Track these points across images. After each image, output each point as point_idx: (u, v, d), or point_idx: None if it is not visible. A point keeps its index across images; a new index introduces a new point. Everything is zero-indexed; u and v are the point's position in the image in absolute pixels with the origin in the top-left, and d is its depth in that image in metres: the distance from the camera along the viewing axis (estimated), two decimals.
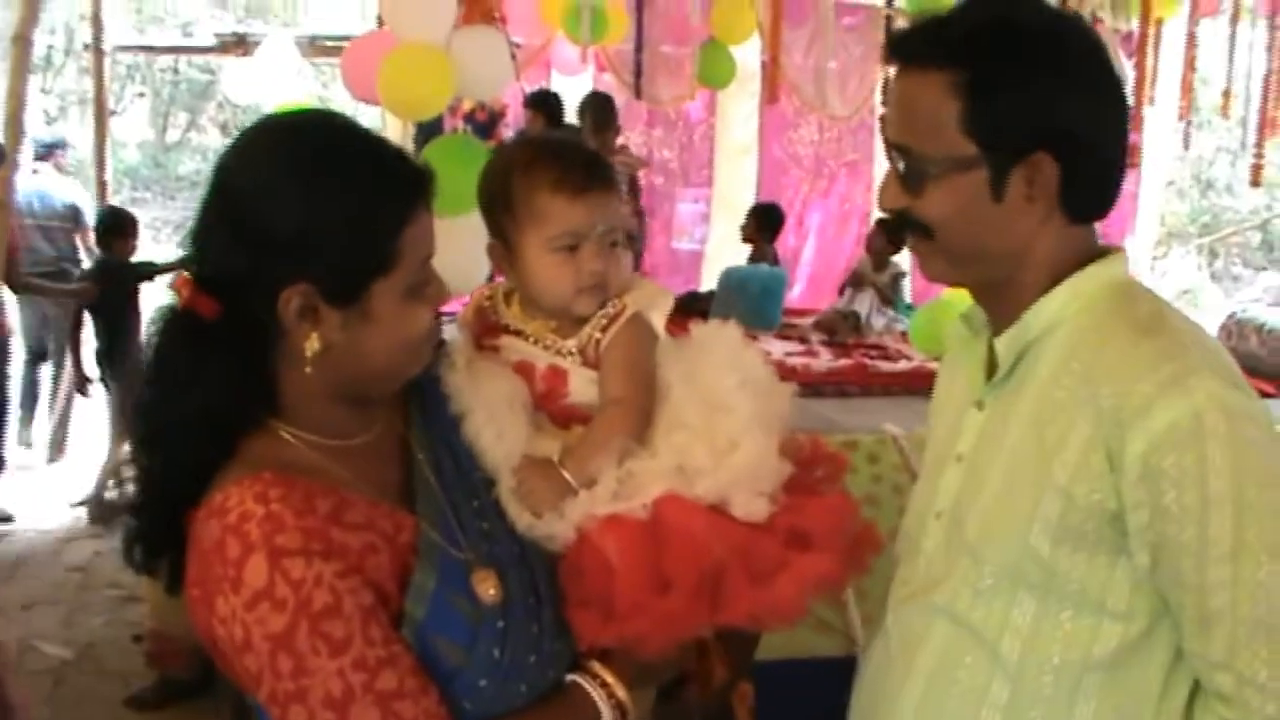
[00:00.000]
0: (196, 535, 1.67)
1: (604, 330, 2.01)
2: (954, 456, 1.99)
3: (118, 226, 7.85)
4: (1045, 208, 1.85)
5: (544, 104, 9.05)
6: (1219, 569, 1.72)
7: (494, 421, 1.93)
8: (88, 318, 8.01)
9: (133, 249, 7.98)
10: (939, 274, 1.96)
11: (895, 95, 1.91)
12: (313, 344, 1.71)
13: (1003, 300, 1.94)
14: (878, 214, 9.80)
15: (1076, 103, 1.83)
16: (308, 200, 1.68)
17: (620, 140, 9.63)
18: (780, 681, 3.82)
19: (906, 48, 1.90)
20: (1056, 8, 1.92)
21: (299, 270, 1.68)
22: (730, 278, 8.31)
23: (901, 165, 1.88)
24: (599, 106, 9.23)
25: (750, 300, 7.95)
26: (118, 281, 7.81)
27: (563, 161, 2.02)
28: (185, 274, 1.72)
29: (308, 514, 1.65)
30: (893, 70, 1.93)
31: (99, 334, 7.95)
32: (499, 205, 2.04)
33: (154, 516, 1.77)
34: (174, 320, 1.73)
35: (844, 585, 1.95)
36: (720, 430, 1.92)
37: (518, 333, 2.07)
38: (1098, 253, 1.92)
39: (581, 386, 2.02)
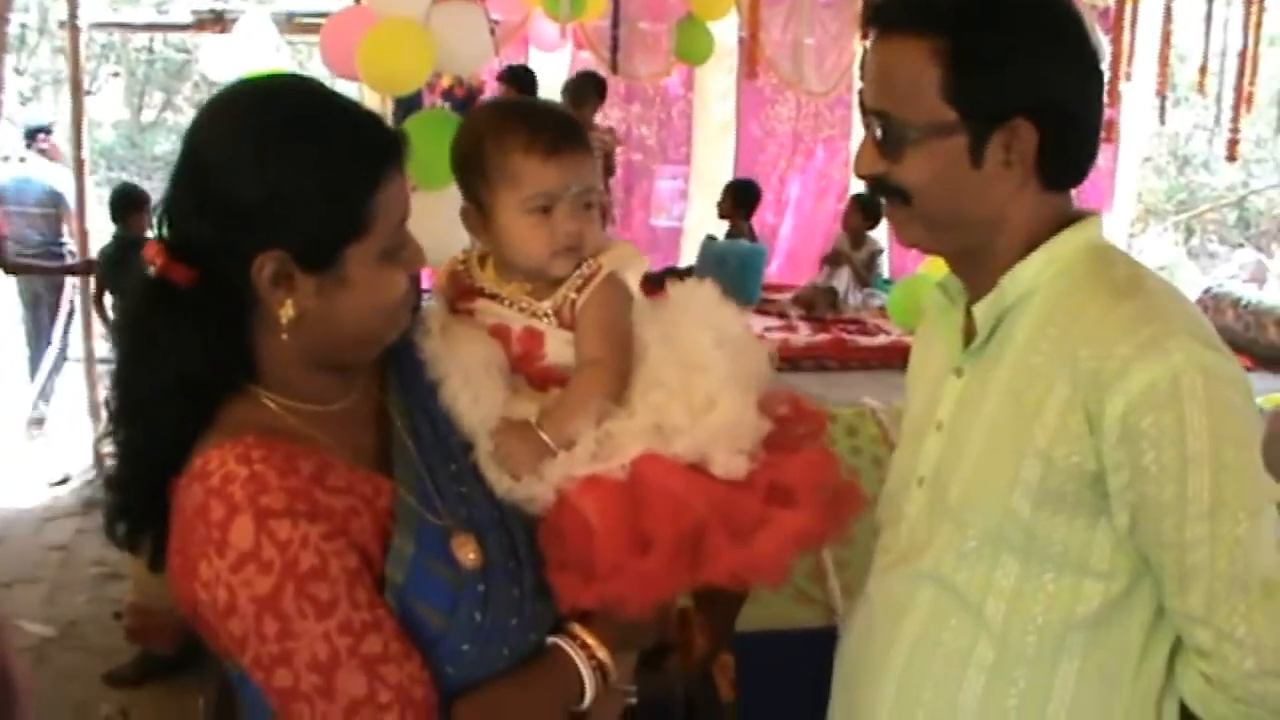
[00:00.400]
0: (179, 502, 1.66)
1: (579, 291, 2.01)
2: (934, 424, 2.01)
3: (131, 202, 7.85)
4: (1022, 174, 1.87)
5: (517, 79, 9.05)
6: (1198, 526, 1.75)
7: (470, 385, 1.92)
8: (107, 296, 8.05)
9: (147, 223, 7.98)
10: (916, 239, 1.97)
11: (874, 62, 1.91)
12: (287, 310, 1.69)
13: (979, 267, 1.95)
14: (855, 190, 9.85)
15: (1056, 71, 1.85)
16: (277, 166, 1.66)
17: (598, 119, 9.65)
18: (761, 652, 3.84)
19: (887, 15, 1.90)
20: None
21: (271, 237, 1.66)
22: (709, 252, 8.33)
23: (879, 131, 1.89)
24: (578, 84, 9.27)
25: (729, 275, 7.96)
26: (135, 256, 7.80)
27: (533, 123, 2.01)
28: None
29: (291, 475, 1.65)
30: (870, 38, 1.93)
31: (116, 309, 7.96)
32: (472, 169, 2.03)
33: (136, 490, 1.75)
34: (148, 289, 1.70)
35: (825, 541, 1.94)
36: (698, 389, 1.91)
37: (493, 296, 2.06)
38: (1072, 218, 1.94)
39: (558, 348, 2.01)
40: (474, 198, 2.05)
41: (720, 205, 9.25)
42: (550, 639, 1.83)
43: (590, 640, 1.83)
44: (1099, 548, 1.85)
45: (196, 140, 1.72)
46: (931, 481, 1.99)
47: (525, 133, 1.99)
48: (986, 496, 1.88)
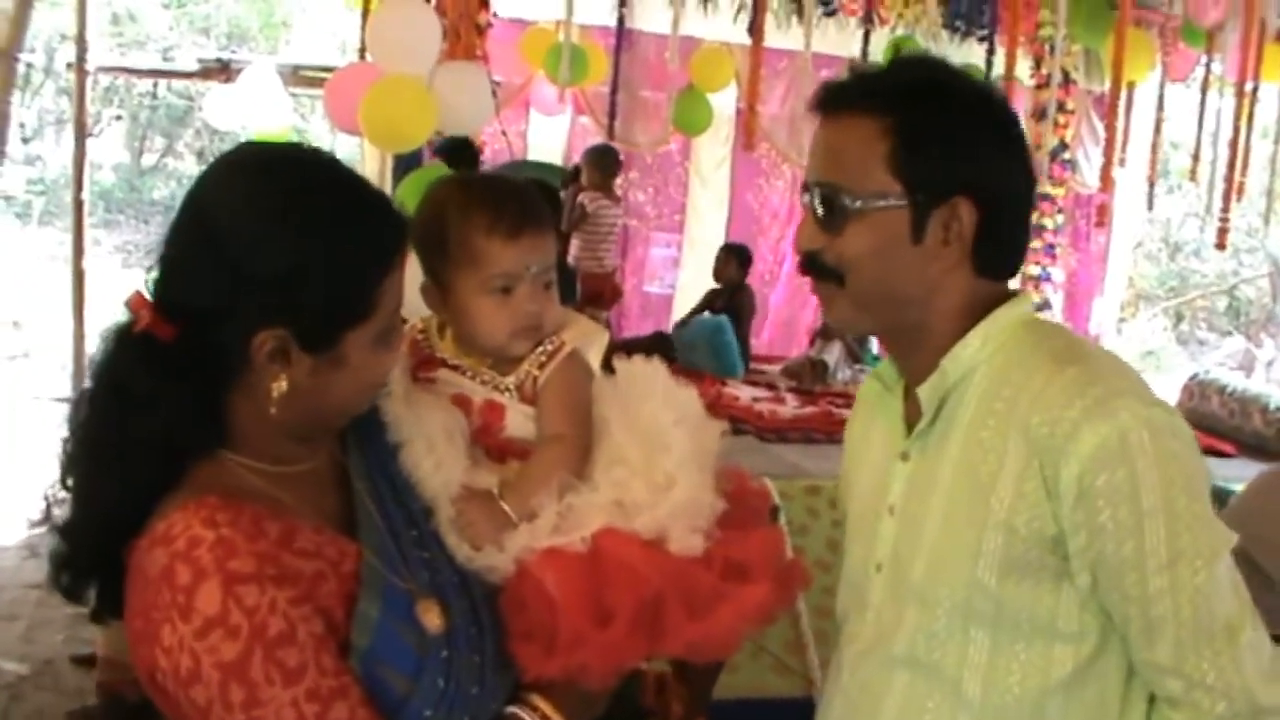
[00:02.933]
0: (139, 564, 1.62)
1: (541, 368, 2.02)
2: (885, 509, 2.02)
3: None
4: (958, 254, 1.91)
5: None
6: (1158, 578, 1.79)
7: (433, 452, 1.92)
8: None
9: None
10: (844, 319, 2.00)
11: (821, 140, 1.95)
12: (280, 386, 1.68)
13: (913, 348, 1.99)
14: None
15: (996, 157, 1.91)
16: (298, 247, 1.65)
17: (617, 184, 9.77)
18: None
19: (836, 96, 1.95)
20: (972, 76, 2.00)
21: (278, 314, 1.65)
22: (682, 339, 8.36)
23: (819, 205, 1.92)
24: (603, 153, 9.32)
25: (704, 356, 8.01)
26: None
27: (497, 203, 2.01)
28: (142, 295, 1.68)
29: (259, 538, 1.61)
30: (819, 120, 1.96)
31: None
32: (433, 247, 2.01)
33: (89, 542, 1.70)
34: (129, 340, 1.67)
35: (775, 618, 1.95)
36: (658, 467, 1.93)
37: (454, 367, 2.06)
38: (1002, 297, 1.98)
39: (518, 421, 2.02)
40: (434, 275, 2.05)
41: (721, 271, 9.23)
42: (509, 709, 1.83)
43: (549, 710, 1.83)
44: (1065, 610, 1.87)
45: (206, 202, 1.69)
46: (890, 566, 2.00)
47: (488, 213, 1.99)
48: (951, 573, 1.90)
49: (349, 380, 1.73)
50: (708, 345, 8.16)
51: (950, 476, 1.92)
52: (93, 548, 1.70)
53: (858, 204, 1.88)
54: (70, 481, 1.71)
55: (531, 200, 2.06)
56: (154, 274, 1.70)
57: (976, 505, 1.87)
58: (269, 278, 1.63)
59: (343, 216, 1.68)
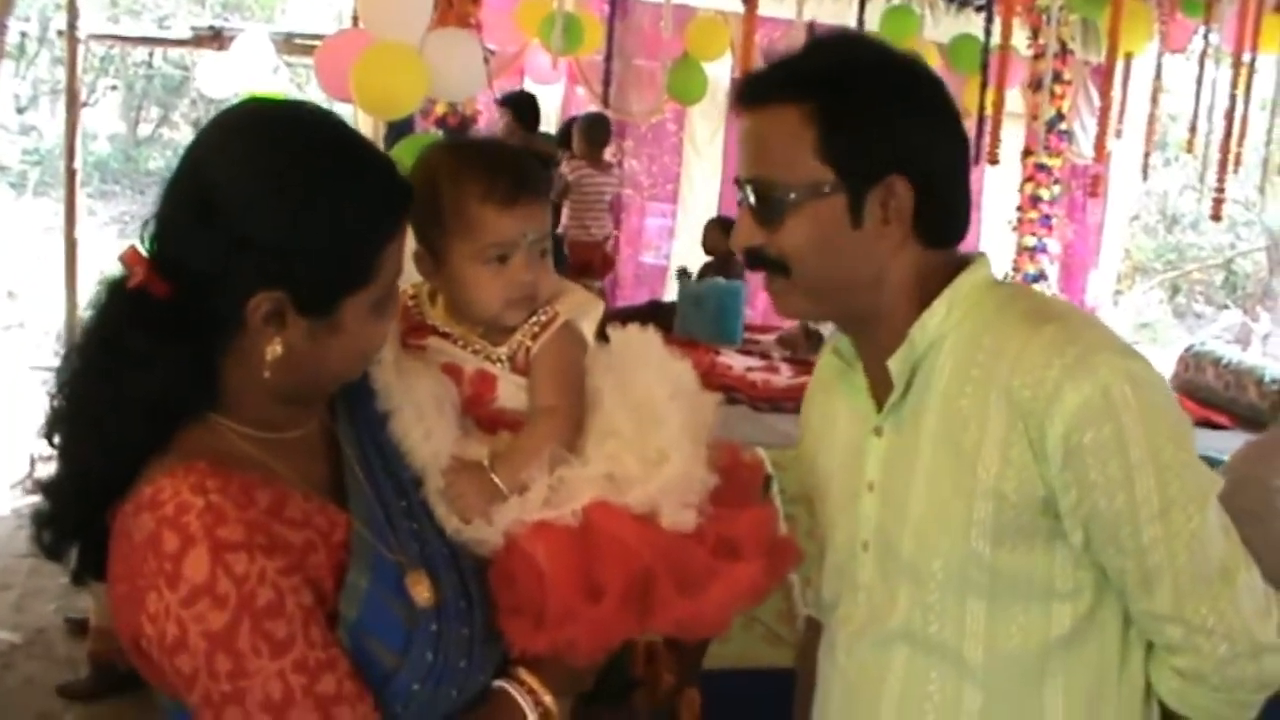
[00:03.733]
0: (124, 529, 1.59)
1: (534, 339, 2.00)
2: (864, 486, 2.00)
3: None
4: (901, 231, 1.89)
5: (516, 105, 9.09)
6: (1152, 528, 1.80)
7: (422, 421, 1.90)
8: None
9: None
10: (796, 310, 1.99)
11: (747, 134, 1.93)
12: (274, 349, 1.65)
13: (870, 329, 1.97)
14: None
15: (924, 129, 1.90)
16: (300, 209, 1.62)
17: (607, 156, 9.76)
18: (728, 690, 3.83)
19: (755, 88, 1.93)
20: (893, 48, 1.98)
21: (276, 276, 1.61)
22: (687, 292, 8.34)
23: (754, 200, 1.90)
24: (594, 122, 9.31)
25: (708, 315, 8.00)
26: None
27: (491, 170, 1.97)
28: (138, 250, 1.65)
29: (249, 506, 1.59)
30: (740, 114, 1.94)
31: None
32: (426, 214, 1.97)
33: (74, 503, 1.68)
34: (122, 297, 1.64)
35: (765, 596, 1.93)
36: (651, 441, 1.91)
37: (445, 335, 2.04)
38: (960, 264, 1.96)
39: (510, 392, 2.00)
40: (427, 243, 2.02)
41: (709, 241, 9.24)
42: (496, 683, 1.82)
43: (536, 685, 1.83)
44: (1060, 569, 1.88)
45: (206, 161, 1.66)
46: (877, 543, 2.00)
47: (483, 180, 1.96)
48: (943, 545, 1.90)
49: (344, 346, 1.71)
50: (717, 305, 8.14)
51: (931, 448, 1.91)
52: (76, 507, 1.68)
53: (791, 196, 1.86)
54: (56, 439, 1.68)
55: (527, 167, 2.03)
56: (150, 230, 1.66)
57: (962, 474, 1.86)
58: (268, 240, 1.61)
59: (346, 180, 1.65)
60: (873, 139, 1.85)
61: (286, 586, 1.58)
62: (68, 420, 1.68)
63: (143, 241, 1.66)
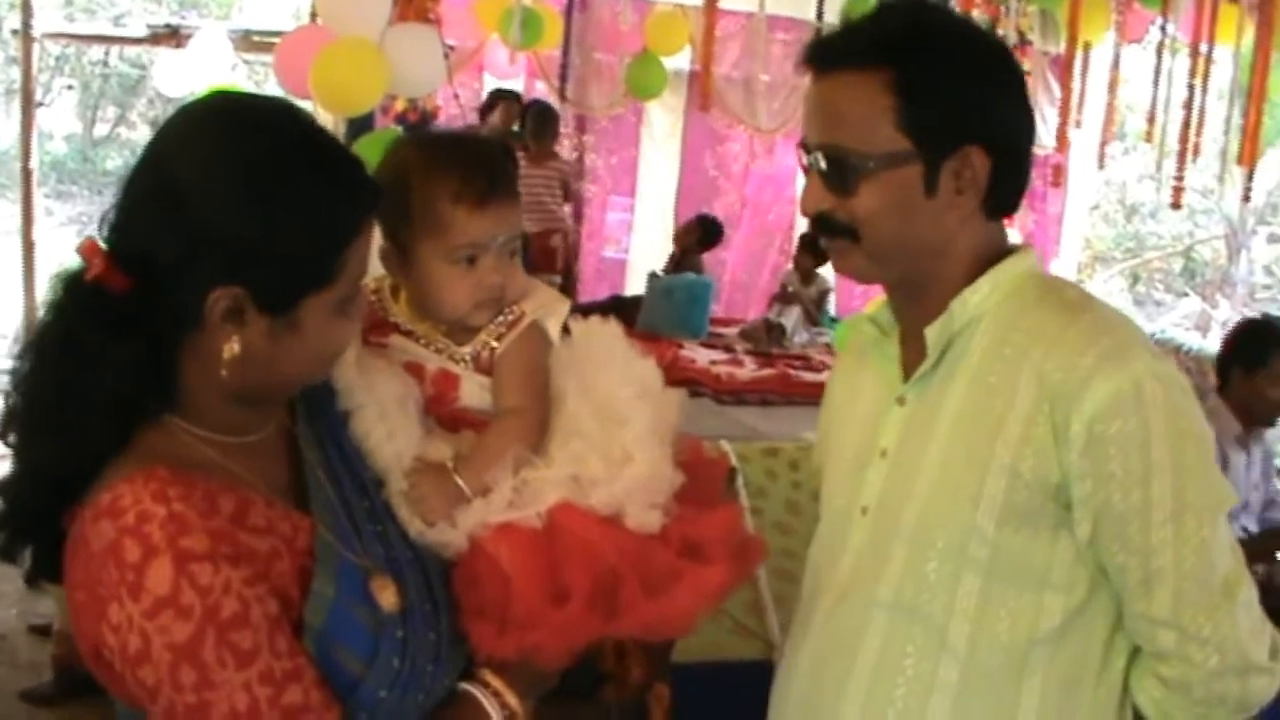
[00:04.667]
0: (82, 535, 1.56)
1: (499, 339, 1.98)
2: (877, 453, 2.01)
3: None
4: (972, 201, 1.91)
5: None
6: (1163, 530, 1.81)
7: (385, 420, 1.88)
8: None
9: None
10: (860, 272, 1.98)
11: (818, 99, 1.93)
12: (232, 348, 1.61)
13: (919, 295, 1.98)
14: (801, 226, 9.91)
15: (1000, 98, 1.91)
16: (264, 205, 1.58)
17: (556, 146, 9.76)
18: (697, 684, 3.83)
19: (830, 52, 1.92)
20: (962, 14, 1.99)
21: (236, 273, 1.58)
22: (656, 285, 8.36)
23: (825, 166, 1.90)
24: (541, 112, 9.33)
25: (676, 308, 8.02)
26: None
27: (464, 169, 1.93)
28: (96, 241, 1.61)
29: (212, 515, 1.56)
30: (811, 77, 1.94)
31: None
32: (394, 211, 1.93)
33: (28, 503, 1.65)
34: (79, 291, 1.60)
35: (730, 595, 1.94)
36: (615, 441, 1.91)
37: (407, 333, 2.01)
38: (1010, 248, 1.99)
39: (473, 391, 1.98)
40: (395, 240, 1.98)
41: (682, 236, 9.25)
42: (462, 685, 1.81)
43: (501, 687, 1.81)
44: (1060, 560, 1.89)
45: (169, 154, 1.63)
46: (878, 510, 2.00)
47: (456, 180, 1.92)
48: (948, 517, 1.90)
49: (304, 347, 1.67)
50: (687, 297, 8.17)
51: (952, 420, 1.92)
52: (31, 508, 1.65)
53: (869, 164, 1.86)
54: (11, 437, 1.65)
55: (500, 165, 2.00)
56: (108, 223, 1.63)
57: (980, 448, 1.87)
58: (229, 235, 1.57)
59: (312, 177, 1.63)
60: (953, 109, 1.86)
61: (251, 596, 1.55)
62: (22, 418, 1.64)
63: (101, 235, 1.63)
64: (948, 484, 1.91)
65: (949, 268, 1.95)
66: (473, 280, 1.94)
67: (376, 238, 1.92)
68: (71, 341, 1.60)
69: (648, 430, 1.92)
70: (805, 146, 1.94)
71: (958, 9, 6.91)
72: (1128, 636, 1.93)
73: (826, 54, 1.92)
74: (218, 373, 1.62)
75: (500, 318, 1.99)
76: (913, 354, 1.99)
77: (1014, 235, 9.68)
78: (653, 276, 8.78)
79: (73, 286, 1.61)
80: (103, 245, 1.61)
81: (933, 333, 1.94)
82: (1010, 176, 1.93)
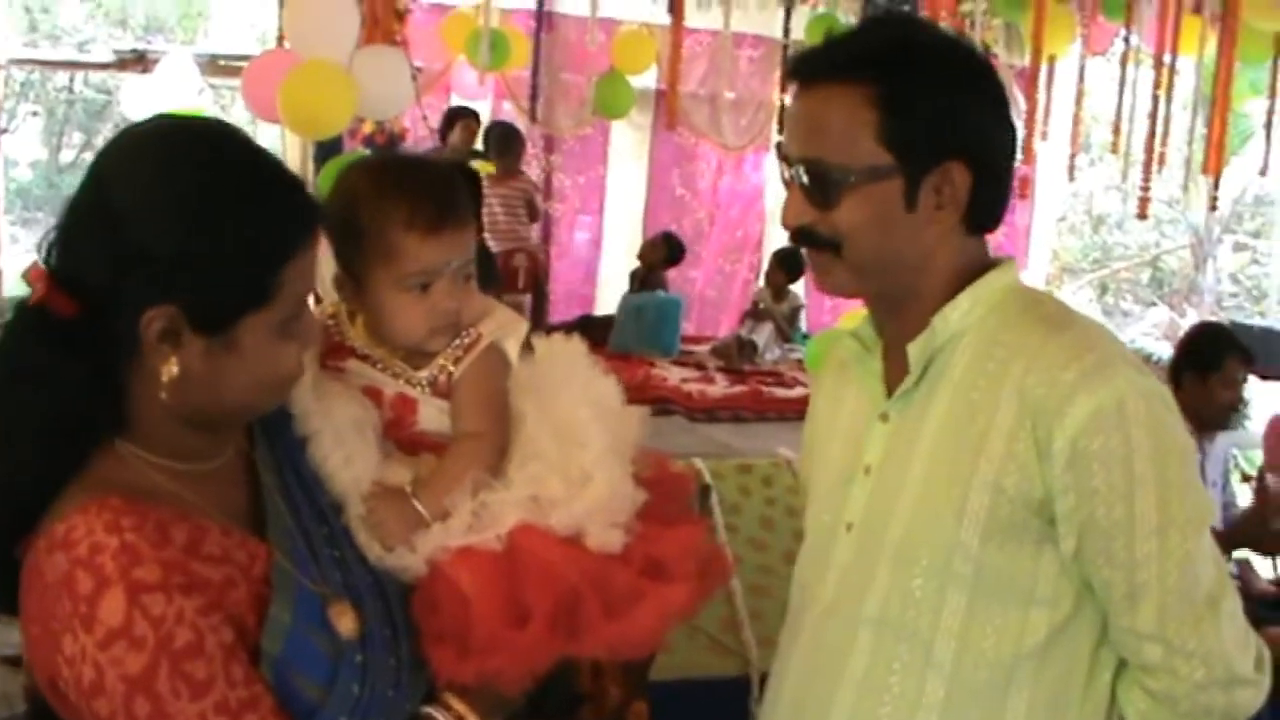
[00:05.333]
0: (36, 566, 1.55)
1: (457, 363, 1.96)
2: (860, 469, 2.02)
3: None
4: (954, 216, 1.91)
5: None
6: (1147, 544, 1.82)
7: (342, 446, 1.86)
8: None
9: None
10: (840, 285, 1.99)
11: (801, 112, 1.94)
12: (170, 369, 1.59)
13: (901, 310, 1.99)
14: (770, 242, 9.96)
15: (983, 114, 1.92)
16: (189, 220, 1.57)
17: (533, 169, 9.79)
18: (675, 701, 3.84)
19: (813, 65, 1.93)
20: (948, 30, 1.99)
21: (167, 292, 1.56)
22: (628, 304, 8.37)
23: (806, 180, 1.90)
24: (503, 133, 9.33)
25: (647, 326, 8.03)
26: None
27: (414, 195, 1.91)
28: (41, 267, 1.60)
29: (165, 545, 1.55)
30: (793, 90, 1.95)
31: None
32: (345, 237, 1.92)
33: None
34: (26, 315, 1.58)
35: (695, 615, 1.93)
36: (574, 462, 1.90)
37: (364, 357, 1.99)
38: (991, 263, 1.99)
39: (431, 415, 1.97)
40: (347, 267, 1.96)
41: (647, 254, 9.27)
42: (423, 709, 1.80)
43: (463, 710, 1.80)
44: (1044, 575, 1.89)
45: (104, 172, 1.63)
46: (862, 526, 2.00)
47: (405, 206, 1.89)
48: (933, 533, 1.90)
49: (245, 369, 1.64)
50: (657, 316, 8.19)
51: (934, 436, 1.92)
52: None
53: (850, 178, 1.87)
54: None
55: (451, 189, 1.97)
56: (50, 243, 1.63)
57: (962, 464, 1.88)
58: (158, 252, 1.55)
59: (244, 195, 1.61)
60: (934, 125, 1.86)
61: (205, 626, 1.54)
62: None
63: (47, 258, 1.62)
64: (931, 500, 1.91)
65: (929, 282, 1.95)
66: (426, 306, 1.93)
67: (330, 262, 1.93)
68: (15, 363, 1.59)
69: (606, 450, 1.92)
70: (787, 159, 1.94)
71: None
72: (1114, 650, 1.93)
73: (810, 67, 1.93)
74: (159, 395, 1.61)
75: (457, 341, 1.97)
76: (895, 369, 2.00)
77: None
78: (628, 293, 8.79)
79: (21, 311, 1.60)
80: (46, 268, 1.60)
81: (915, 349, 1.94)
82: (991, 192, 1.94)
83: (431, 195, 1.92)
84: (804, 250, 2.00)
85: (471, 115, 9.46)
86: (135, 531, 1.53)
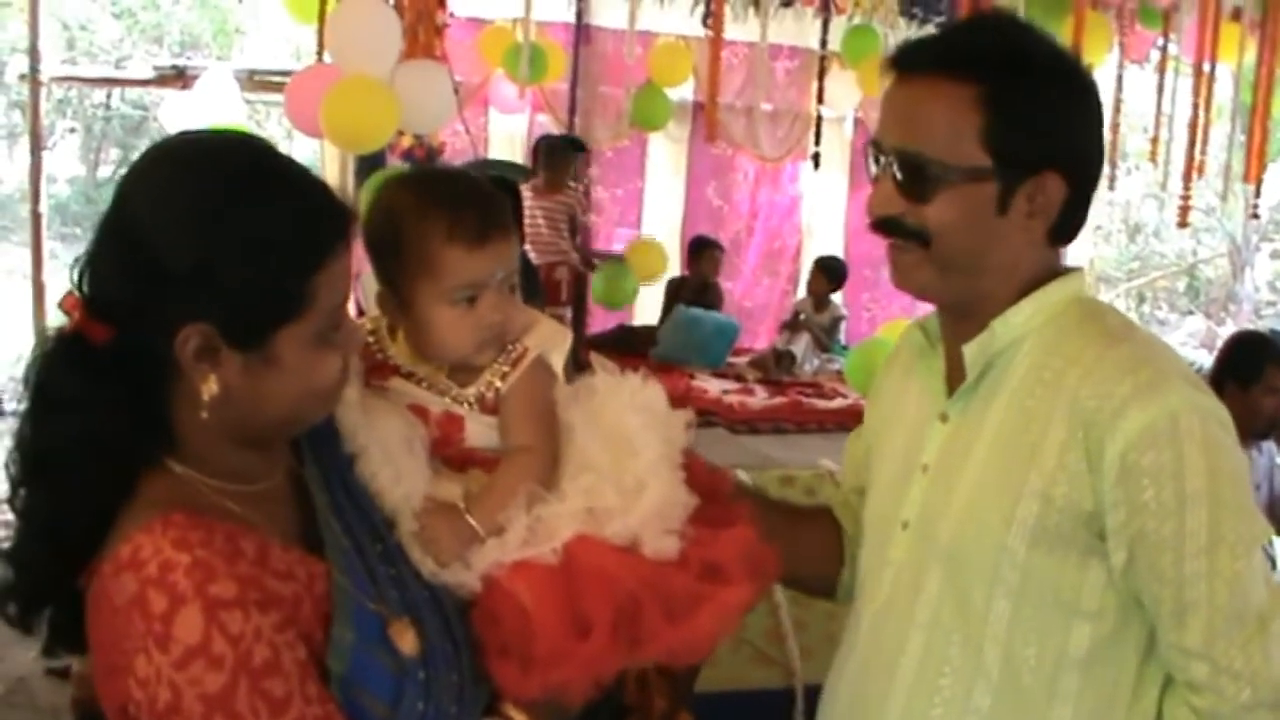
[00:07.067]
0: (104, 591, 1.52)
1: (503, 378, 1.95)
2: (919, 468, 2.02)
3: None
4: (1042, 226, 1.91)
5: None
6: (1196, 561, 1.80)
7: (391, 463, 1.84)
8: None
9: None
10: (921, 283, 1.97)
11: (901, 102, 1.92)
12: (210, 387, 1.57)
13: (970, 312, 1.98)
14: (811, 256, 9.95)
15: (1083, 128, 1.91)
16: (214, 235, 1.54)
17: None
18: (720, 713, 3.84)
19: (919, 55, 1.92)
20: (1053, 37, 1.98)
21: (198, 309, 1.55)
22: (681, 315, 8.35)
23: (902, 173, 1.89)
24: (550, 148, 9.33)
25: (700, 339, 8.00)
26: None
27: (456, 208, 1.89)
28: (75, 295, 1.58)
29: (237, 559, 1.53)
30: (894, 77, 1.93)
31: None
32: (387, 253, 1.92)
33: (37, 566, 1.60)
34: (62, 343, 1.58)
35: (750, 613, 1.93)
36: (627, 470, 1.89)
37: (407, 375, 1.98)
38: (1060, 271, 1.98)
39: (478, 432, 1.96)
40: (390, 283, 1.95)
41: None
42: None
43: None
44: (1090, 587, 1.88)
45: (128, 193, 1.61)
46: (918, 525, 2.01)
47: (447, 219, 1.88)
48: (981, 537, 1.90)
49: (287, 382, 1.63)
50: (714, 332, 8.17)
51: (990, 440, 1.92)
52: (42, 573, 1.61)
53: (948, 175, 1.86)
54: (16, 503, 1.60)
55: (492, 201, 1.95)
56: (83, 272, 1.61)
57: (1014, 471, 1.87)
58: (186, 271, 1.54)
59: (266, 206, 1.58)
60: (1038, 133, 1.86)
61: (282, 643, 1.52)
62: (21, 477, 1.60)
63: (79, 286, 1.60)
64: (981, 504, 1.91)
65: (1004, 287, 1.94)
66: (473, 320, 1.91)
67: (373, 281, 1.93)
68: (53, 394, 1.58)
69: (659, 457, 1.91)
70: (879, 147, 1.93)
71: None
72: (1161, 666, 1.92)
73: (917, 57, 1.92)
74: (200, 413, 1.60)
75: (503, 355, 1.97)
76: (958, 369, 2.00)
77: None
78: (681, 306, 8.75)
79: (58, 339, 1.59)
80: (79, 294, 1.59)
81: (971, 350, 1.94)
82: (1080, 205, 1.93)
83: (473, 207, 1.91)
84: (887, 243, 1.97)
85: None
86: (205, 547, 1.51)
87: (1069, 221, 1.94)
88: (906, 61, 1.92)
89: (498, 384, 1.95)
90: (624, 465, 1.90)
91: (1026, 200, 1.88)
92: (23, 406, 1.61)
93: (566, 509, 1.86)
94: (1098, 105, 1.94)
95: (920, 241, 1.91)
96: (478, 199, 1.93)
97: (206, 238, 1.55)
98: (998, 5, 7.08)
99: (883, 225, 1.96)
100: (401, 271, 1.91)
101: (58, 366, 1.58)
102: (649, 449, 1.91)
